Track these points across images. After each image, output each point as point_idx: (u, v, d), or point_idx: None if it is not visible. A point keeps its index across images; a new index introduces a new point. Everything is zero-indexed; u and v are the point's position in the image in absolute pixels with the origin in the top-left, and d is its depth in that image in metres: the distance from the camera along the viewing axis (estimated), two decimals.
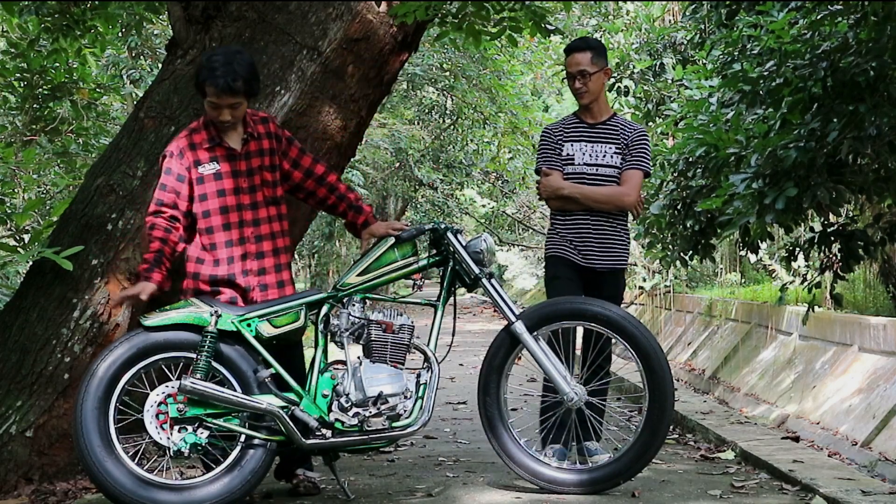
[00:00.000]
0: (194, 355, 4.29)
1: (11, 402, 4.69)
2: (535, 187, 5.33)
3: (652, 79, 9.38)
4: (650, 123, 9.06)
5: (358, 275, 4.50)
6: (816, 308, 6.85)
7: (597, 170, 5.19)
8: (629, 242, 5.33)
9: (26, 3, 6.91)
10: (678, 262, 7.52)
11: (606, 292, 5.08)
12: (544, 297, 5.20)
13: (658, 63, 9.32)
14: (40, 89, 7.49)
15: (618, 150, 5.21)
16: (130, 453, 4.27)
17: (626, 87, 9.44)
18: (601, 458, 4.79)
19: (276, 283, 4.56)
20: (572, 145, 5.22)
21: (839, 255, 5.86)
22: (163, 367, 4.33)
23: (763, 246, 9.36)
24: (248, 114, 4.54)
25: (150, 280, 4.35)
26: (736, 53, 5.91)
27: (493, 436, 4.58)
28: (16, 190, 8.14)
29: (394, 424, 4.38)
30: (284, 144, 4.60)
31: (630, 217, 5.34)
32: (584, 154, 5.20)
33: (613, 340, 4.62)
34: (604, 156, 5.20)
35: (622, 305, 5.32)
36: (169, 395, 4.26)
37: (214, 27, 5.07)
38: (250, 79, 4.42)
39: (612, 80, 9.49)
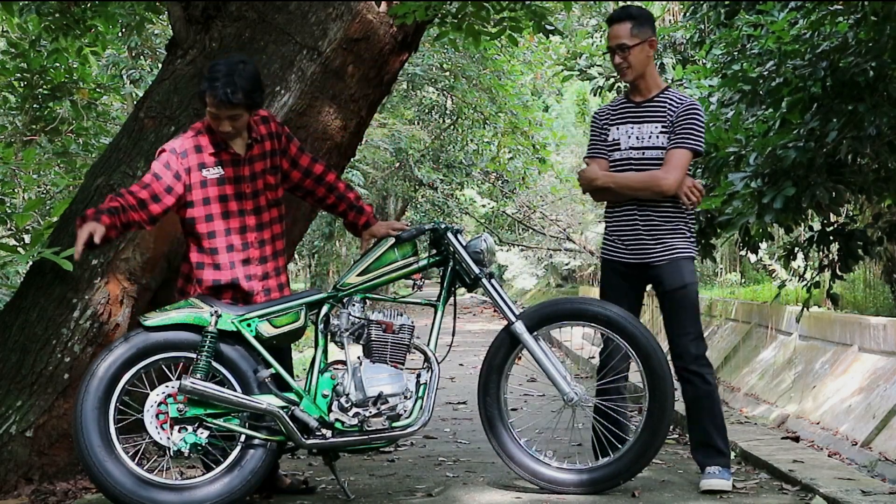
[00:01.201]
0: (194, 355, 4.28)
1: (11, 402, 4.69)
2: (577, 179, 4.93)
3: None
4: None
5: (358, 275, 4.50)
6: (816, 308, 6.86)
7: (643, 153, 4.66)
8: (687, 230, 4.69)
9: (26, 2, 6.91)
10: None
11: (668, 285, 4.62)
12: (544, 298, 5.17)
13: (658, 63, 9.33)
14: (40, 89, 7.49)
15: (664, 129, 4.64)
16: (130, 453, 4.27)
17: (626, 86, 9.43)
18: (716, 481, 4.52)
19: (277, 286, 4.55)
20: (618, 128, 4.72)
21: (838, 254, 5.87)
22: (163, 367, 4.33)
23: (763, 246, 9.37)
24: None
25: (100, 222, 4.16)
26: (736, 53, 5.91)
27: (493, 436, 4.57)
28: (16, 190, 8.14)
29: (394, 424, 4.38)
30: (284, 142, 4.56)
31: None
32: (629, 137, 4.69)
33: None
34: (649, 136, 4.66)
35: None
36: (169, 395, 4.25)
37: (214, 27, 5.07)
38: (252, 91, 4.31)
39: (612, 79, 9.47)
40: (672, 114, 4.64)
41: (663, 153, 4.63)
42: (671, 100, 4.68)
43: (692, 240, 4.71)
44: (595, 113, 4.90)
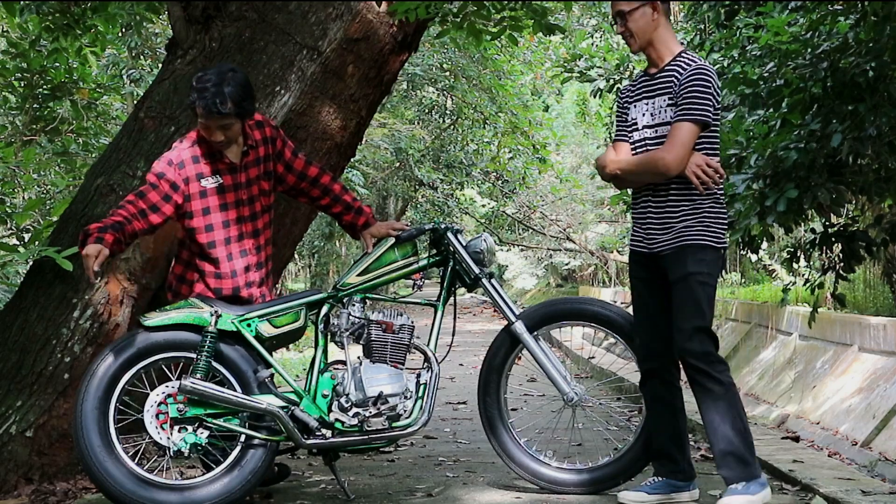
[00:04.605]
0: (194, 355, 4.29)
1: (11, 402, 4.68)
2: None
3: None
4: None
5: (358, 275, 4.50)
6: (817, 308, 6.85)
7: (656, 131, 4.14)
8: (703, 215, 4.09)
9: (27, 2, 6.91)
10: None
11: (671, 275, 4.12)
12: (544, 298, 5.14)
13: None
14: (40, 89, 7.49)
15: (671, 101, 4.10)
16: (130, 453, 4.28)
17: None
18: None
19: (269, 289, 4.56)
20: (635, 106, 4.22)
21: (841, 255, 5.87)
22: (163, 367, 4.33)
23: (763, 246, 9.37)
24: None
25: (104, 241, 4.10)
26: (735, 55, 5.91)
27: (494, 436, 4.58)
28: (16, 190, 8.14)
29: (394, 424, 4.38)
30: (279, 146, 4.55)
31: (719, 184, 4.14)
32: (643, 115, 4.18)
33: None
34: (661, 112, 4.13)
35: (622, 305, 5.20)
36: (169, 395, 4.26)
37: (214, 27, 5.07)
38: (241, 100, 4.27)
39: (612, 80, 9.43)
40: (677, 82, 4.09)
41: None
42: (679, 67, 4.11)
43: (710, 226, 4.10)
44: (620, 90, 4.37)
